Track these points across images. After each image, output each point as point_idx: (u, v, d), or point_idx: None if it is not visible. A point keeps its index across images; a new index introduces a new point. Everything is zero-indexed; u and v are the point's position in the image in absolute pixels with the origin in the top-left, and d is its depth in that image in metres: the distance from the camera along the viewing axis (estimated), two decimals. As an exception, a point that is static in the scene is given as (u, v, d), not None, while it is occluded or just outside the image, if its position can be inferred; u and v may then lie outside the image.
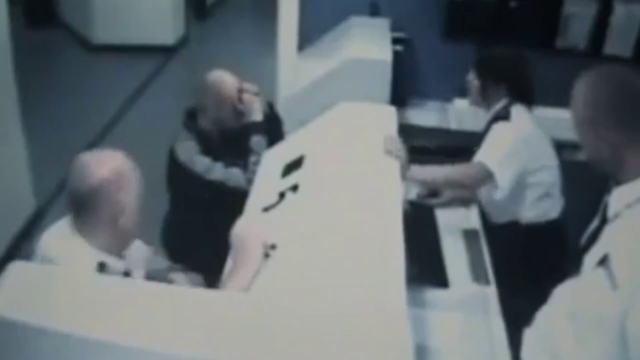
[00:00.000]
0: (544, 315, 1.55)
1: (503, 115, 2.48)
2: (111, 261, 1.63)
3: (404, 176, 2.16)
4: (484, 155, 2.41)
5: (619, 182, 1.49)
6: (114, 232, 1.64)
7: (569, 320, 1.45)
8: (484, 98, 2.57)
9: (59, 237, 1.64)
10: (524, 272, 2.33)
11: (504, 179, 2.38)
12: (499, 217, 2.58)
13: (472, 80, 2.59)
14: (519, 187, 2.45)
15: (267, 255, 1.62)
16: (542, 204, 2.50)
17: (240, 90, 2.64)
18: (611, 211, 1.48)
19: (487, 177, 2.39)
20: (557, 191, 2.53)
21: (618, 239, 1.42)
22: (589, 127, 1.51)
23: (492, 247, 2.39)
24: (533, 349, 1.57)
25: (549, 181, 2.50)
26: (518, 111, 2.49)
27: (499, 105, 2.52)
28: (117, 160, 1.65)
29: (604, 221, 1.50)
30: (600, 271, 1.39)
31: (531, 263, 2.38)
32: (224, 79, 2.65)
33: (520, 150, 2.41)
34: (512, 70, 2.53)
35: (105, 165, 1.62)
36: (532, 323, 1.60)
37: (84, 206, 1.61)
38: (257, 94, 2.68)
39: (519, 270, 2.35)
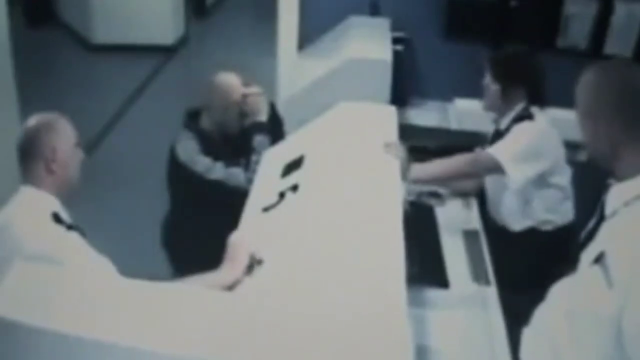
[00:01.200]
0: (541, 314, 1.55)
1: (526, 115, 2.42)
2: (60, 210, 1.83)
3: (405, 177, 2.14)
4: (496, 148, 2.37)
5: (617, 179, 1.48)
6: (48, 176, 1.84)
7: (566, 318, 1.44)
8: (504, 102, 2.47)
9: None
10: (533, 276, 2.28)
11: (517, 172, 2.31)
12: (519, 224, 2.52)
13: (490, 84, 2.48)
14: (541, 187, 2.42)
15: (251, 267, 1.68)
16: (563, 207, 2.49)
17: (246, 93, 2.64)
18: (609, 209, 1.47)
19: (494, 166, 2.33)
20: (571, 193, 2.51)
21: (615, 236, 1.41)
22: (589, 121, 1.52)
23: (507, 254, 2.36)
24: (532, 348, 1.57)
25: (567, 183, 2.48)
26: (537, 113, 2.43)
27: (517, 108, 2.45)
28: (50, 115, 1.91)
29: (601, 219, 1.50)
30: (597, 269, 1.38)
31: (544, 267, 2.36)
32: (231, 82, 2.64)
33: (543, 148, 2.37)
34: (532, 71, 2.45)
35: (39, 117, 1.89)
36: (530, 322, 1.59)
37: (23, 153, 1.85)
38: (261, 95, 2.68)
39: (527, 273, 2.32)
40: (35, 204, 1.80)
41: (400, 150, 2.12)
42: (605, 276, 1.35)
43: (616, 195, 1.47)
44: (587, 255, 1.46)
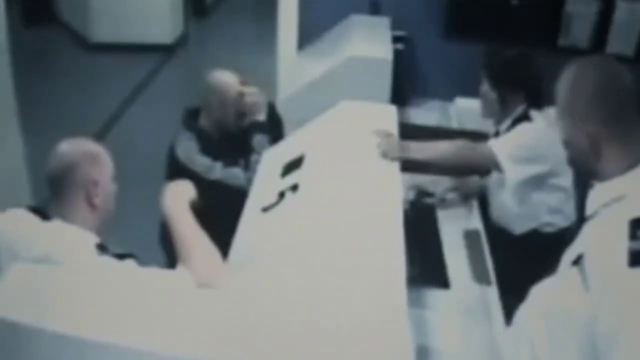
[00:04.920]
0: (521, 314, 1.54)
1: (525, 117, 2.39)
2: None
3: (403, 155, 2.13)
4: (496, 142, 2.35)
5: (598, 180, 1.46)
6: (90, 212, 1.71)
7: (544, 319, 1.43)
8: (503, 108, 2.44)
9: (42, 230, 1.67)
10: (534, 278, 2.28)
11: (514, 170, 2.30)
12: (521, 226, 2.50)
13: (488, 92, 2.45)
14: (542, 189, 2.40)
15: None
16: (565, 209, 2.46)
17: (243, 93, 2.62)
18: (589, 210, 1.45)
19: (491, 159, 2.31)
20: (573, 194, 2.48)
21: (593, 239, 1.39)
22: (566, 118, 1.50)
23: (508, 257, 2.35)
24: (512, 348, 1.56)
25: (569, 184, 2.45)
26: (537, 116, 2.39)
27: (517, 111, 2.42)
28: (90, 144, 1.77)
29: (583, 220, 1.48)
30: (575, 271, 1.36)
31: (546, 269, 2.34)
32: (227, 81, 2.63)
33: (542, 150, 2.33)
34: (529, 75, 2.41)
35: (78, 146, 1.73)
36: (512, 322, 1.58)
37: (60, 186, 1.69)
38: (259, 94, 2.67)
39: (529, 276, 2.31)
40: (76, 241, 1.64)
41: (392, 150, 2.11)
42: (582, 279, 1.34)
43: (596, 196, 1.44)
44: (567, 257, 1.45)
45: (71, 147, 1.72)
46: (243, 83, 2.66)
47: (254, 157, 2.52)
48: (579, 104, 1.46)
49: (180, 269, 1.60)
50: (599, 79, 1.46)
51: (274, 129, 2.71)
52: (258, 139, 2.58)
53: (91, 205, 1.70)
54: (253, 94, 2.65)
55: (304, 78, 3.31)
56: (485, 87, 2.46)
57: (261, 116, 2.65)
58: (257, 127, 2.62)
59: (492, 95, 2.44)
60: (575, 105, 1.47)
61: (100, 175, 1.72)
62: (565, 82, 1.51)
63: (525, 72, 2.43)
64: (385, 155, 2.09)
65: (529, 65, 2.45)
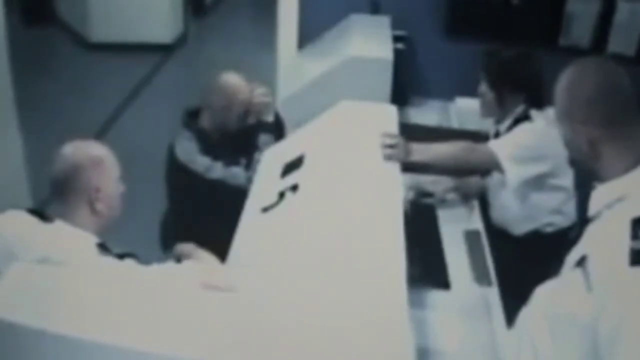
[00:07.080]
0: (524, 316, 1.54)
1: (525, 117, 2.38)
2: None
3: (406, 158, 2.13)
4: (496, 143, 2.35)
5: (600, 180, 1.46)
6: (92, 216, 1.69)
7: (546, 320, 1.43)
8: (501, 109, 2.43)
9: (45, 231, 1.66)
10: (536, 279, 2.28)
11: (514, 171, 2.29)
12: (522, 227, 2.49)
13: (486, 92, 2.44)
14: (543, 189, 2.39)
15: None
16: (566, 209, 2.46)
17: (255, 96, 2.62)
18: (591, 211, 1.45)
19: (491, 160, 2.30)
20: (574, 194, 2.48)
21: (596, 240, 1.39)
22: (565, 120, 1.49)
23: (509, 258, 2.34)
24: (514, 349, 1.56)
25: (569, 184, 2.45)
26: (537, 116, 2.38)
27: (517, 111, 2.41)
28: (94, 147, 1.74)
29: (586, 221, 1.48)
30: (578, 272, 1.36)
31: (548, 269, 2.33)
32: (235, 84, 2.60)
33: (543, 151, 2.32)
34: (528, 76, 2.39)
35: (82, 150, 1.71)
36: (514, 324, 1.58)
37: (62, 188, 1.67)
38: (270, 95, 2.66)
39: (531, 276, 2.31)
40: (76, 242, 1.63)
41: (397, 154, 2.11)
42: (585, 280, 1.33)
43: (598, 197, 1.44)
44: (570, 259, 1.44)
45: (76, 151, 1.70)
46: (251, 86, 2.65)
47: (257, 156, 2.51)
48: (578, 107, 1.46)
49: (185, 263, 1.60)
50: (597, 81, 1.45)
51: (277, 132, 2.71)
52: (264, 138, 2.58)
53: (93, 209, 1.69)
54: (263, 95, 2.65)
55: (304, 78, 3.30)
56: (483, 86, 2.46)
57: (269, 117, 2.65)
58: (264, 127, 2.62)
59: (490, 95, 2.44)
60: (574, 108, 1.47)
61: (104, 180, 1.70)
62: (563, 84, 1.50)
63: (522, 72, 2.41)
64: (389, 158, 2.09)
65: (526, 65, 2.43)
